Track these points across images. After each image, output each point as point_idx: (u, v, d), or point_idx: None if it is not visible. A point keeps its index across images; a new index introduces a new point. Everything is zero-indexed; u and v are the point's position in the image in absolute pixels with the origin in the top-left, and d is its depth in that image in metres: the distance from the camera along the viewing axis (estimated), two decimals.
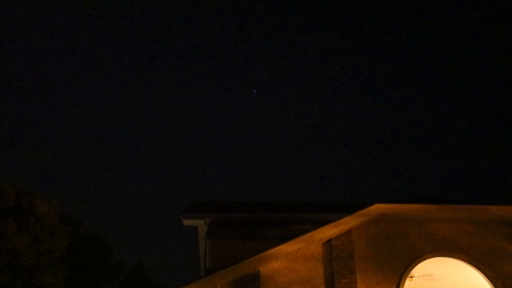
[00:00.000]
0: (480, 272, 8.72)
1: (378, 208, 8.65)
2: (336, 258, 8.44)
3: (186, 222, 12.01)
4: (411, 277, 9.03)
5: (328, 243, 8.59)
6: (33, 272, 16.46)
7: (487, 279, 8.67)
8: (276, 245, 8.20)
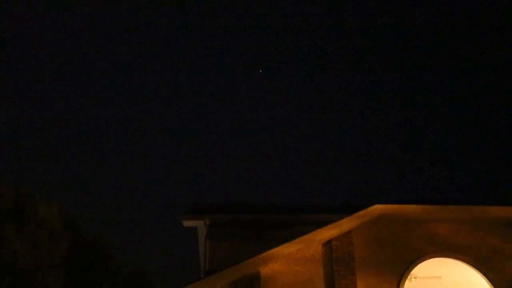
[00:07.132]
0: (480, 273, 8.70)
1: (377, 209, 8.66)
2: (336, 259, 8.43)
3: (186, 223, 12.03)
4: (410, 278, 9.00)
5: (328, 244, 8.58)
6: (34, 276, 16.46)
7: (487, 280, 8.64)
8: (276, 246, 8.20)
